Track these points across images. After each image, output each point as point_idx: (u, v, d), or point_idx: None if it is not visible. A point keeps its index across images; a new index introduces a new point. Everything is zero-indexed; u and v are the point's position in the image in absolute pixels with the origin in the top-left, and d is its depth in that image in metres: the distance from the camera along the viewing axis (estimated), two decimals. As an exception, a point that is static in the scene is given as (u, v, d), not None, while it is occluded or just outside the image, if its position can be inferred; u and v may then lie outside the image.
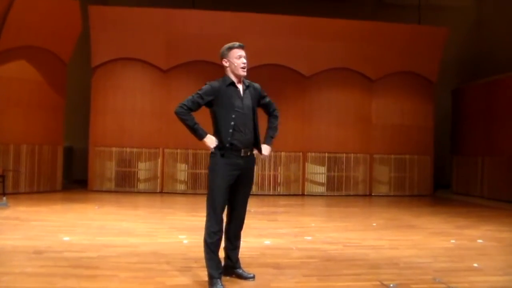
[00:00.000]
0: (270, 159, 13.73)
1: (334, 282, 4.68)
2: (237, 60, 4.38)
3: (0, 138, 11.53)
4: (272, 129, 4.72)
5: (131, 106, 13.33)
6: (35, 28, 11.78)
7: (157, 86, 13.40)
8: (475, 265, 5.46)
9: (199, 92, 4.36)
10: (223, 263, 4.53)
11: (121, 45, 13.22)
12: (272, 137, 4.70)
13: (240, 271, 4.64)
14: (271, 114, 4.75)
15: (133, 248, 5.93)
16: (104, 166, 13.41)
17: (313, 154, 14.08)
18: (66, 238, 6.41)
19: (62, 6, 12.20)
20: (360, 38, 13.98)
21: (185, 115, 4.30)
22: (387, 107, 14.46)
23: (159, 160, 13.53)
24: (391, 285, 4.53)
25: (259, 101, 4.61)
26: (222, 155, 4.31)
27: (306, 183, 14.06)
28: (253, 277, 4.60)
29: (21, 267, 4.85)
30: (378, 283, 4.61)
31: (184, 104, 4.32)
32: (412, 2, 15.80)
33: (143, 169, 13.52)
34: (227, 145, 4.28)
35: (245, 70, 4.41)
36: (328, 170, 14.15)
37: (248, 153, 4.41)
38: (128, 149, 13.43)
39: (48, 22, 11.94)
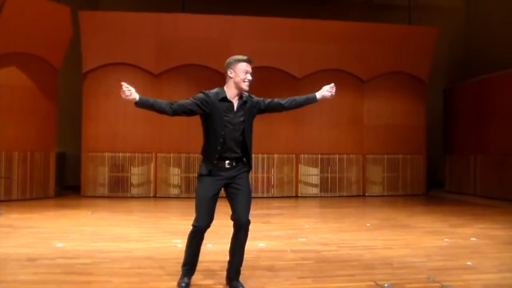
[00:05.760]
0: (263, 162, 13.74)
1: (328, 283, 4.69)
2: (243, 75, 4.31)
3: (-9, 145, 11.47)
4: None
5: (123, 111, 13.27)
6: (25, 34, 11.72)
7: (148, 90, 13.30)
8: (469, 263, 5.48)
9: (195, 98, 4.29)
10: (227, 268, 4.51)
11: (112, 50, 13.19)
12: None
13: (234, 282, 4.43)
14: (285, 103, 4.67)
15: (127, 253, 5.91)
16: (97, 172, 13.36)
17: (306, 155, 14.09)
18: (59, 245, 6.38)
19: (52, 12, 12.17)
20: (351, 39, 14.03)
21: (164, 108, 4.22)
22: (379, 108, 14.51)
23: (152, 165, 13.50)
24: (386, 285, 4.55)
25: (262, 111, 4.55)
26: (207, 168, 4.31)
27: (299, 184, 14.07)
28: None
29: (14, 275, 4.83)
30: (372, 283, 4.62)
31: (173, 103, 4.26)
32: (402, 2, 15.87)
33: (136, 174, 13.49)
34: (215, 161, 4.29)
35: (248, 86, 4.35)
36: (321, 171, 14.16)
37: (233, 164, 4.35)
38: (120, 154, 13.39)
39: (38, 28, 11.90)
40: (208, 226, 4.36)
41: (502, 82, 13.25)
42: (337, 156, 14.24)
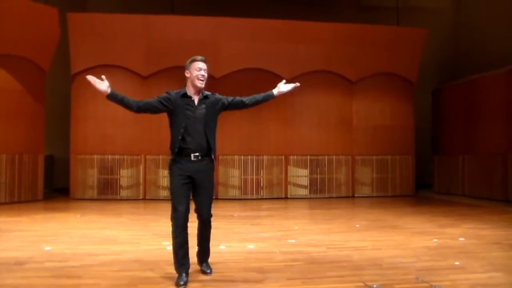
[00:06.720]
0: (252, 163, 13.74)
1: (318, 285, 4.69)
2: (196, 72, 4.69)
3: (-21, 148, 11.37)
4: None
5: (112, 113, 13.17)
6: (13, 37, 11.64)
7: (137, 92, 13.23)
8: (457, 263, 5.52)
9: (159, 97, 4.79)
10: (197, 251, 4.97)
11: (100, 52, 13.13)
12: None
13: (204, 264, 4.97)
14: (246, 100, 4.95)
15: (116, 256, 5.88)
16: (86, 174, 13.29)
17: (295, 157, 14.12)
18: (48, 248, 6.34)
19: (40, 14, 12.10)
20: (340, 41, 14.09)
21: (131, 104, 4.74)
22: (368, 109, 14.57)
23: (141, 167, 13.46)
24: (375, 285, 4.56)
25: (225, 108, 4.88)
26: (174, 160, 4.65)
27: (289, 186, 14.09)
28: (210, 273, 4.88)
29: (1, 279, 4.79)
30: (361, 284, 4.64)
31: (140, 101, 4.82)
32: (390, 4, 15.97)
33: (125, 176, 13.44)
34: (176, 150, 4.61)
35: (203, 82, 4.70)
36: (311, 172, 14.20)
37: (199, 157, 4.63)
38: (110, 157, 13.33)
39: (26, 30, 11.82)
40: (186, 214, 4.60)
41: (489, 83, 13.35)
42: (326, 157, 14.28)
